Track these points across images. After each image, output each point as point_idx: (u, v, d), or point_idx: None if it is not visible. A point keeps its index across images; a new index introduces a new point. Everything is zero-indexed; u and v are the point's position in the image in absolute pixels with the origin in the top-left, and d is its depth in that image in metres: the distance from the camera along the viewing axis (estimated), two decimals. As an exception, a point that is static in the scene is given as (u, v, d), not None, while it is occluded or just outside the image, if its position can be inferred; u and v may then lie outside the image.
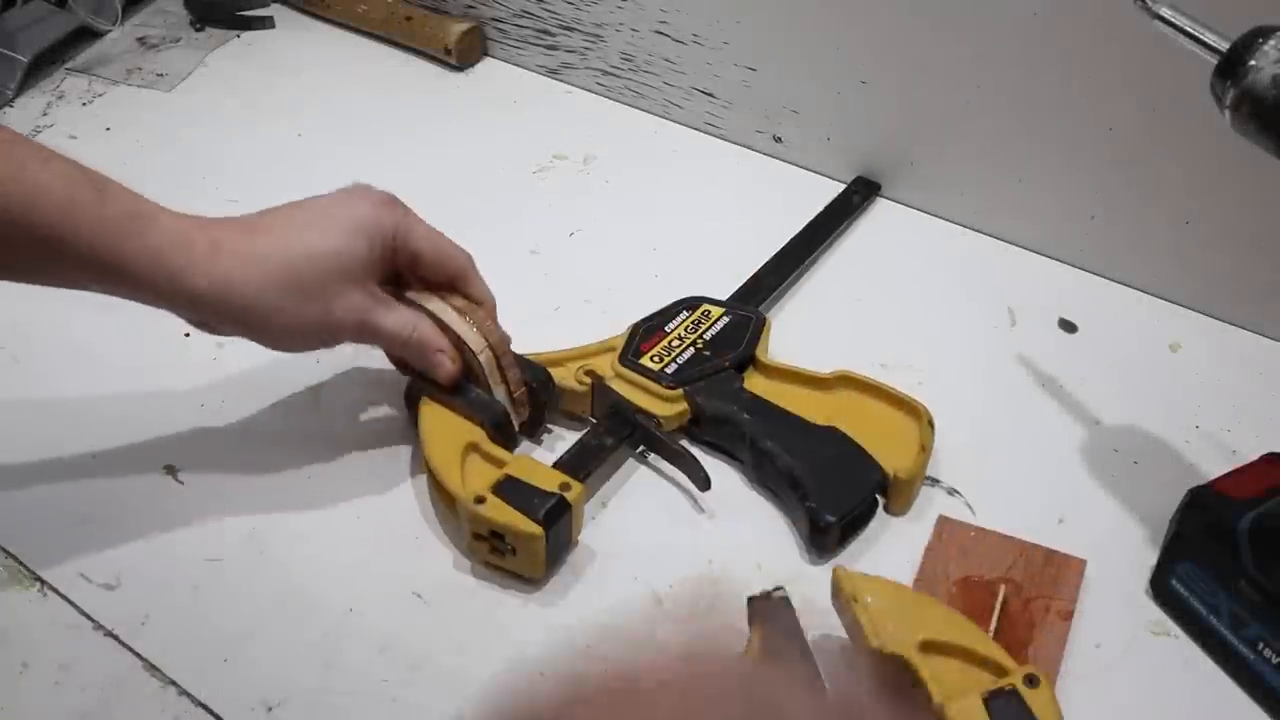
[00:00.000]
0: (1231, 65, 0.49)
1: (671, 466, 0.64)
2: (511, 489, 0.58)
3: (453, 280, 0.63)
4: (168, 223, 0.54)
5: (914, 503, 0.63)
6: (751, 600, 0.55)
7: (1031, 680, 0.49)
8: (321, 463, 0.66)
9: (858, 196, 0.83)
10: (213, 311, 0.56)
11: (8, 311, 0.75)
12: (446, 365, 0.61)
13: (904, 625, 0.52)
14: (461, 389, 0.63)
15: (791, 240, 0.78)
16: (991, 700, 0.49)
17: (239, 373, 0.71)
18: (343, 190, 0.60)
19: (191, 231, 0.55)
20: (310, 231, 0.57)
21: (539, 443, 0.66)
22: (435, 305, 0.62)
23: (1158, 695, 0.55)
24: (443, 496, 0.61)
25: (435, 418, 0.63)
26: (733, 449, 0.65)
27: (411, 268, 0.62)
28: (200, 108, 0.93)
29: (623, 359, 0.66)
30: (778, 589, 0.55)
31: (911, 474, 0.61)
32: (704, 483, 0.62)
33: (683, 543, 0.62)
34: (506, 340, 0.64)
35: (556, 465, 0.61)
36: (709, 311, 0.69)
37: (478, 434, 0.62)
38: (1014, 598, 0.57)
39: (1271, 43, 0.48)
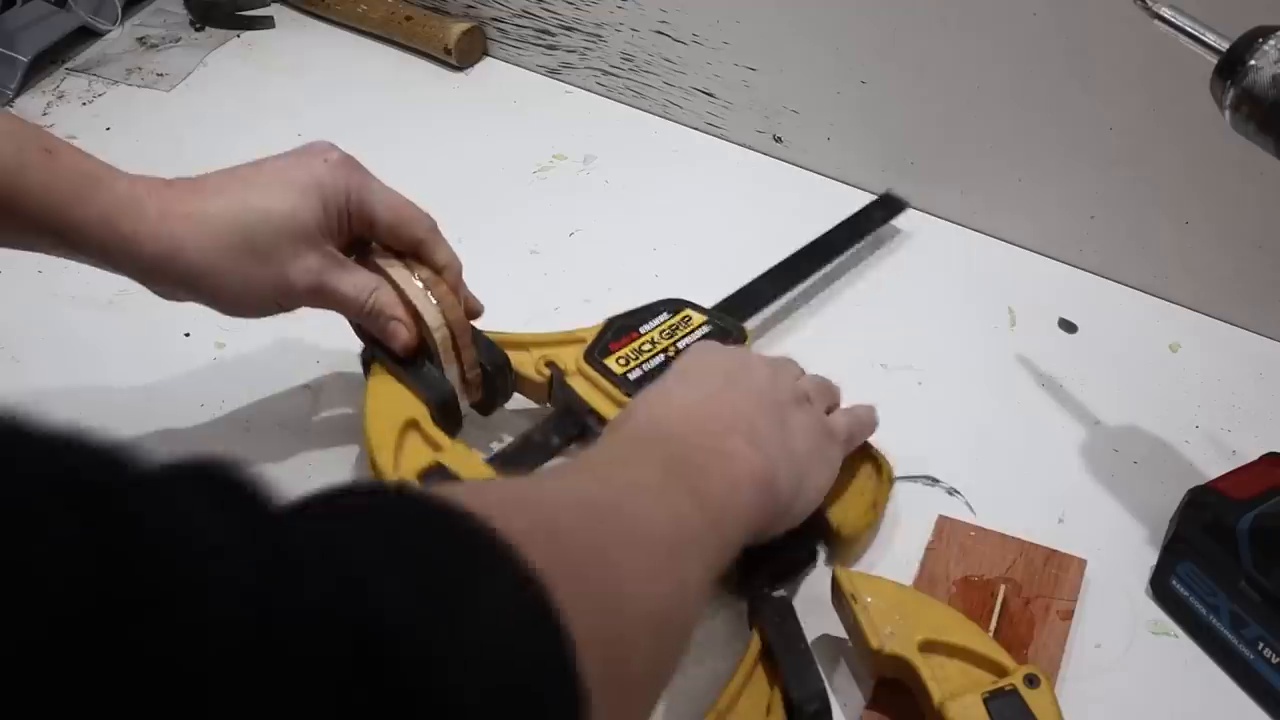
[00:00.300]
0: (1231, 65, 0.49)
1: None
2: (438, 479, 0.55)
3: (414, 246, 0.60)
4: (118, 186, 0.53)
5: (859, 558, 0.60)
6: (751, 600, 0.55)
7: (1032, 680, 0.50)
8: (321, 462, 0.66)
9: (881, 213, 0.80)
10: (164, 276, 0.54)
11: (8, 311, 0.75)
12: (402, 334, 0.59)
13: (904, 625, 0.52)
14: (414, 362, 0.61)
15: (798, 251, 0.75)
16: (991, 700, 0.49)
17: (239, 372, 0.71)
18: (299, 149, 0.58)
19: (142, 194, 0.53)
20: (262, 192, 0.56)
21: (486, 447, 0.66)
22: (398, 273, 0.60)
23: (1158, 695, 0.55)
24: (372, 469, 0.58)
25: (382, 388, 0.60)
26: None
27: (369, 231, 0.60)
28: (200, 108, 0.93)
29: (588, 355, 0.63)
30: (777, 589, 0.55)
31: (854, 530, 0.58)
32: None
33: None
34: (477, 311, 0.62)
35: (492, 460, 0.59)
36: (689, 317, 0.66)
37: (421, 411, 0.59)
38: (1014, 597, 0.57)
39: (1271, 43, 0.48)
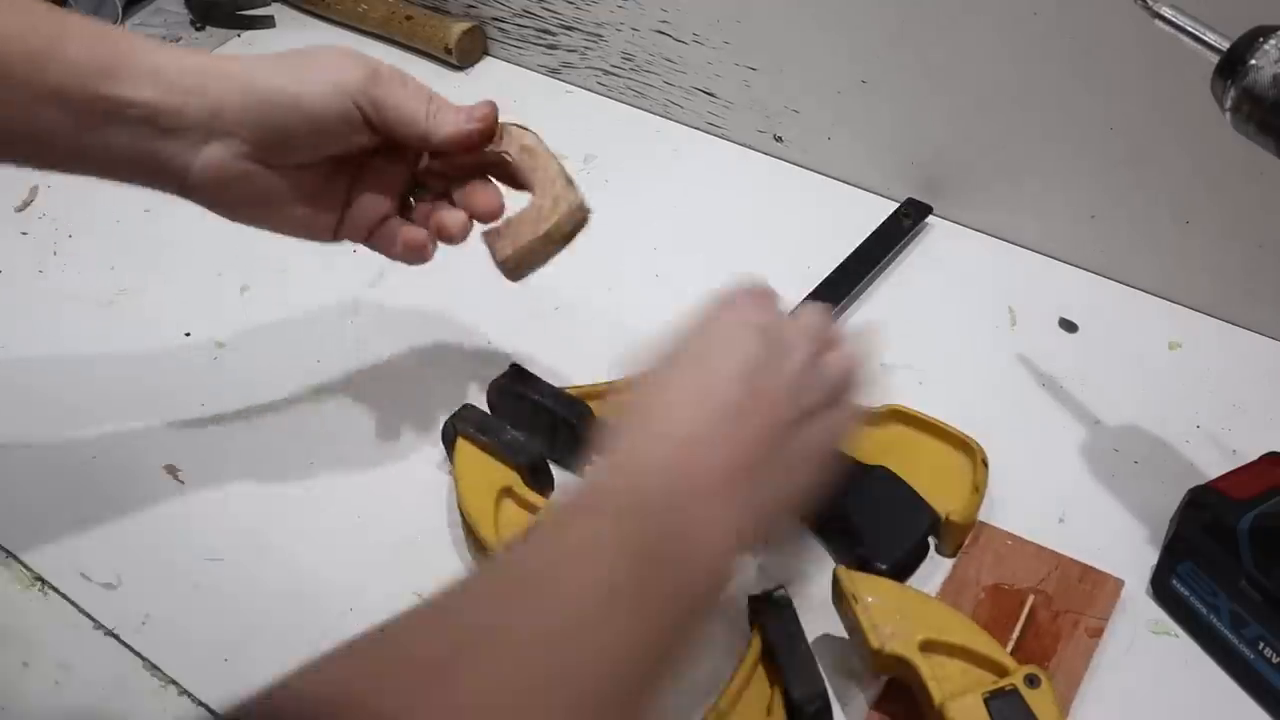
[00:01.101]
0: (1232, 65, 0.49)
1: None
2: None
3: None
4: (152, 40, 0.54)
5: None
6: (752, 600, 0.55)
7: (1032, 680, 0.49)
8: (321, 462, 0.66)
9: (908, 220, 0.80)
10: (217, 82, 0.53)
11: (8, 311, 0.75)
12: (482, 110, 0.56)
13: (904, 625, 0.52)
14: (494, 428, 0.62)
15: (839, 267, 0.76)
16: (992, 700, 0.49)
17: (239, 372, 0.71)
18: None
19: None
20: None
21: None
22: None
23: (1158, 695, 0.55)
24: (475, 543, 0.60)
25: (470, 459, 0.62)
26: None
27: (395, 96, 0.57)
28: (200, 107, 0.93)
29: None
30: (778, 589, 0.55)
31: (964, 517, 0.60)
32: None
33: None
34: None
35: None
36: None
37: (512, 477, 0.61)
38: (1043, 609, 0.57)
39: (1272, 42, 0.48)
